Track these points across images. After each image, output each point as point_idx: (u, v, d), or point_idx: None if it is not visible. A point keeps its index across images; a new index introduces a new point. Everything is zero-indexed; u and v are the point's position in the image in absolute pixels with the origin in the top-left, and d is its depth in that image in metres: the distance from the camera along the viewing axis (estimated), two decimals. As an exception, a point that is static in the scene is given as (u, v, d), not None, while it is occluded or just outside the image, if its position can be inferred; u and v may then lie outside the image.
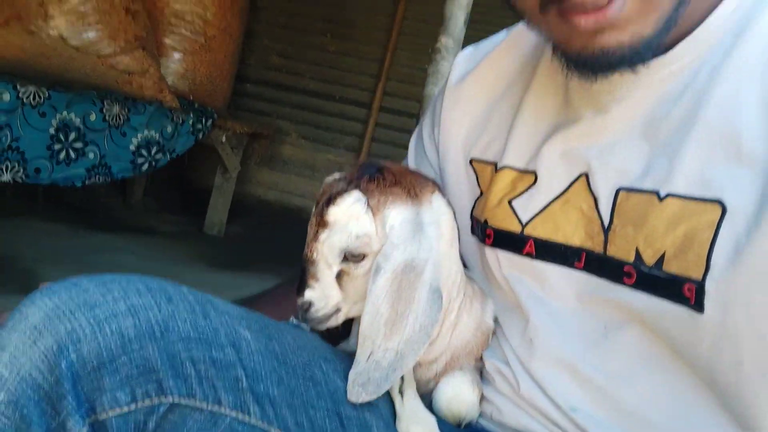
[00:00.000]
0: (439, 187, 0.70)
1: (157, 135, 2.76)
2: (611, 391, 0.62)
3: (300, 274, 0.68)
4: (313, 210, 0.68)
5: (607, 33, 0.55)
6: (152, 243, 3.01)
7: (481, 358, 0.75)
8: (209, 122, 3.06)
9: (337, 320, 0.69)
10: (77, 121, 2.42)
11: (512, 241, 0.71)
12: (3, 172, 2.19)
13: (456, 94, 0.83)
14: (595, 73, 0.60)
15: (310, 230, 0.67)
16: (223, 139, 3.20)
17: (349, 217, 0.65)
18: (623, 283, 0.60)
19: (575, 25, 0.55)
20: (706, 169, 0.55)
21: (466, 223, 0.80)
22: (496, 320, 0.75)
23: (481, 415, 0.73)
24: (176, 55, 3.22)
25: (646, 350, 0.60)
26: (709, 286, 0.54)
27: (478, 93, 0.81)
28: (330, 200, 0.66)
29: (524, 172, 0.72)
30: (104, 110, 2.52)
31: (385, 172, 0.67)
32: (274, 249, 3.24)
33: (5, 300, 1.99)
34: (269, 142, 3.74)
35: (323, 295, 0.67)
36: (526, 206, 0.70)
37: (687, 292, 0.55)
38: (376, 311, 0.63)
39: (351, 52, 4.00)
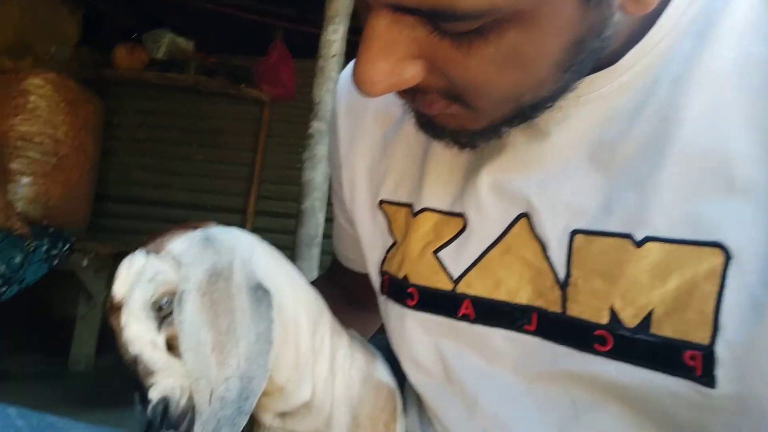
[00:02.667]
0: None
1: (3, 267, 2.47)
2: None
3: (135, 392, 0.53)
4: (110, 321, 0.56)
5: (435, 117, 0.49)
6: (8, 389, 2.62)
7: None
8: (66, 247, 2.79)
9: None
10: None
11: (443, 302, 0.57)
12: None
13: (349, 123, 0.71)
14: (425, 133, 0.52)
15: (115, 337, 0.54)
16: (85, 262, 2.92)
17: (132, 276, 0.54)
18: (594, 352, 0.47)
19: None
20: (694, 205, 0.44)
21: (376, 278, 0.66)
22: (420, 408, 0.62)
23: None
24: (25, 179, 2.96)
25: None
26: (722, 351, 0.41)
27: (372, 120, 0.68)
28: (110, 290, 0.55)
29: (449, 214, 0.58)
30: (-62, 245, 2.23)
31: (154, 234, 0.58)
32: (153, 376, 2.94)
33: None
34: (138, 261, 3.48)
35: (172, 380, 0.53)
36: (457, 258, 0.57)
37: (689, 361, 0.43)
38: (197, 342, 0.50)
39: (219, 159, 3.90)
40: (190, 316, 0.50)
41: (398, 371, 0.67)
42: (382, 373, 0.64)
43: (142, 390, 0.53)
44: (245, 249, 0.56)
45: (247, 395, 0.49)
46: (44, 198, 2.99)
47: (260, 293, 0.53)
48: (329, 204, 2.08)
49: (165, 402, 0.52)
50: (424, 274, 0.59)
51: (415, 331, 0.60)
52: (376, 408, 0.62)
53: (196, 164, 3.91)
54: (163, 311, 0.53)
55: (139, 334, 0.52)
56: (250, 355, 0.50)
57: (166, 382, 0.52)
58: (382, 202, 0.66)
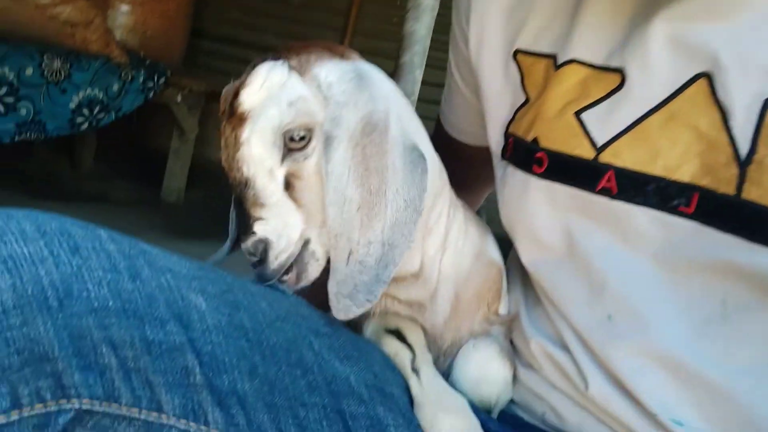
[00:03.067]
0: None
1: (101, 94, 2.54)
2: (736, 396, 0.42)
3: (236, 218, 0.50)
4: (222, 125, 0.50)
5: None
6: (105, 212, 2.79)
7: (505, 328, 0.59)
8: (161, 80, 2.82)
9: (316, 263, 0.51)
10: (10, 75, 2.22)
11: (580, 172, 0.50)
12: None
13: None
14: None
15: (226, 147, 0.49)
16: (179, 98, 2.96)
17: (270, 89, 0.48)
18: None
19: None
20: None
21: (498, 141, 0.59)
22: (525, 288, 0.57)
23: (522, 408, 0.56)
24: (124, 7, 2.96)
25: None
26: None
27: None
28: (237, 91, 0.49)
29: (603, 69, 0.50)
30: (43, 65, 2.31)
31: (296, 45, 0.51)
32: (237, 216, 3.05)
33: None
34: (229, 102, 3.51)
35: (281, 225, 0.49)
36: (605, 121, 0.49)
37: None
38: (343, 197, 0.46)
39: (315, 4, 3.76)
40: (339, 168, 0.46)
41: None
42: (493, 250, 0.60)
43: (244, 223, 0.49)
44: (397, 100, 0.51)
45: (386, 263, 0.47)
46: (142, 28, 3.00)
47: (416, 156, 0.48)
48: (428, 65, 1.98)
49: (266, 244, 0.49)
50: (560, 138, 0.51)
51: (538, 202, 0.53)
52: (483, 286, 0.58)
53: (291, 8, 3.79)
54: (293, 144, 0.48)
55: (260, 157, 0.48)
56: (396, 221, 0.47)
57: (275, 224, 0.49)
58: (517, 52, 0.57)
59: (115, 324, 0.40)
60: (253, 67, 0.50)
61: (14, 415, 0.36)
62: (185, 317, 0.43)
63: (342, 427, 0.47)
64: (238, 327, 0.45)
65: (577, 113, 0.51)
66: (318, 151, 0.48)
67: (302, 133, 0.48)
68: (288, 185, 0.49)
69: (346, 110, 0.47)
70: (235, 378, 0.43)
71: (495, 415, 0.56)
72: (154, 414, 0.40)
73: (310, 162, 0.49)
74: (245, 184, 0.49)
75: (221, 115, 0.51)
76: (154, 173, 3.24)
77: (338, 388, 0.48)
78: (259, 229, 0.48)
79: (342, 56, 0.50)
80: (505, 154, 0.58)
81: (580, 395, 0.50)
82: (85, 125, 2.57)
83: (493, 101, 0.60)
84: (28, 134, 2.40)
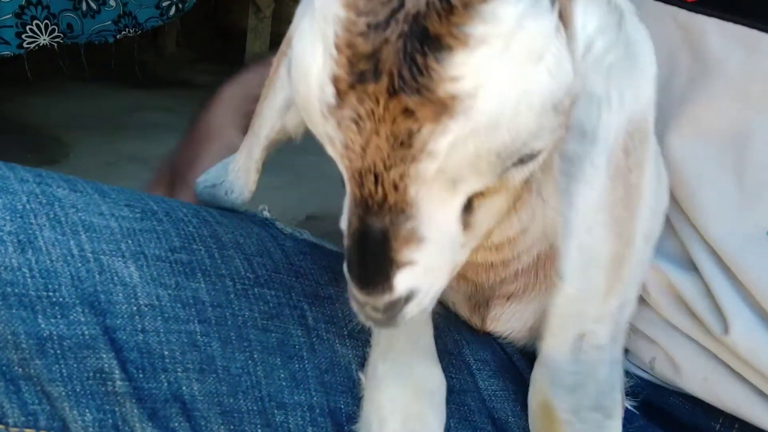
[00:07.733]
0: None
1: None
2: None
3: (356, 244, 0.28)
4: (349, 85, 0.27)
5: None
6: (189, 96, 2.78)
7: None
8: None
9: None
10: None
11: None
12: (40, 33, 2.06)
13: None
14: None
15: (358, 129, 0.27)
16: (250, -27, 2.85)
17: (524, 62, 0.25)
18: None
19: None
20: None
21: None
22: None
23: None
24: None
25: None
26: None
27: None
28: (435, 42, 0.25)
29: None
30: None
31: None
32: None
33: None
34: (304, -27, 3.35)
35: (435, 264, 0.29)
36: None
37: None
38: (589, 259, 0.29)
39: None
40: (592, 216, 0.28)
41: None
42: None
43: (377, 262, 0.28)
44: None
45: (616, 335, 0.31)
46: None
47: (660, 163, 0.33)
48: None
49: (409, 296, 0.29)
50: None
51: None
52: None
53: None
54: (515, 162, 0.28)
55: (458, 179, 0.27)
56: (636, 269, 0.30)
57: (428, 264, 0.29)
58: None
59: None
60: None
61: None
62: (103, 298, 0.33)
63: None
64: (190, 303, 0.35)
65: None
66: (538, 164, 0.29)
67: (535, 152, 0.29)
68: (468, 206, 0.29)
69: (608, 112, 0.27)
70: (179, 378, 0.34)
71: None
72: None
73: (521, 173, 0.28)
74: (400, 210, 0.27)
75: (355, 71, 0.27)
76: (235, 54, 3.19)
77: (335, 380, 0.38)
78: (403, 281, 0.28)
79: None
80: None
81: (711, 340, 0.38)
82: (173, 10, 2.52)
83: None
84: (127, 30, 2.40)
